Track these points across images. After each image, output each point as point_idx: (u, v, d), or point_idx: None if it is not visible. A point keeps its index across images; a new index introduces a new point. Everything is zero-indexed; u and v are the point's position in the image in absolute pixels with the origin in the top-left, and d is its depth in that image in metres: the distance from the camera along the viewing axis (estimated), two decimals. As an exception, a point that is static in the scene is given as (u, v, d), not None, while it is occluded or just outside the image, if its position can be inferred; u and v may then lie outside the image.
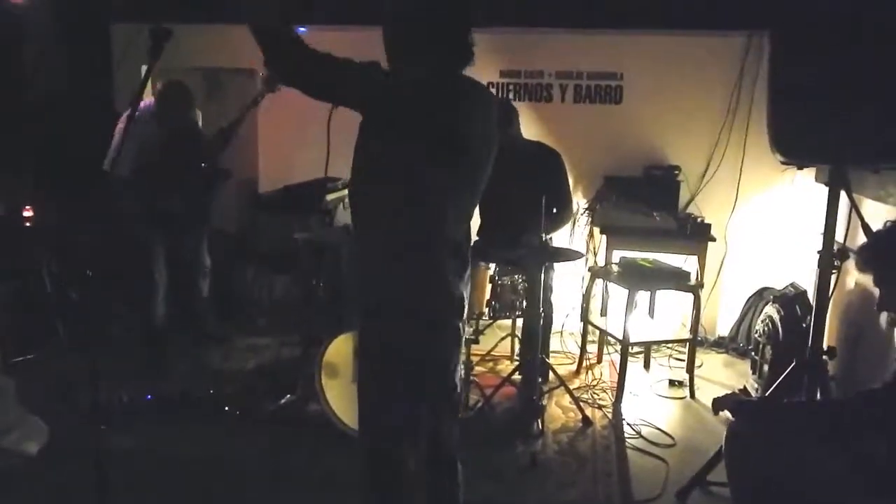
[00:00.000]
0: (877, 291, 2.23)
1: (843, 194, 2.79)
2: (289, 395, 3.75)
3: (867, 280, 3.50)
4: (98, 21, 5.06)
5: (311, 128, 4.86)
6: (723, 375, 4.49)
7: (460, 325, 2.17)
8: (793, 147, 2.71)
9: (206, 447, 3.34)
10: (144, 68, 5.25)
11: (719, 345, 4.93)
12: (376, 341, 2.14)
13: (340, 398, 3.39)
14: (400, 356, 2.09)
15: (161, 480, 3.08)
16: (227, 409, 3.68)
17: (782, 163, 2.77)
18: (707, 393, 4.10)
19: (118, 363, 4.03)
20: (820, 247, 2.85)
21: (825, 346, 2.91)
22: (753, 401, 2.23)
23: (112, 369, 3.91)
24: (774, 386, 2.93)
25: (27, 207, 4.15)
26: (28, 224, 4.20)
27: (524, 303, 3.70)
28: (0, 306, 4.19)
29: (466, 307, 2.19)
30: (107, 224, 4.20)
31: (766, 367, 3.79)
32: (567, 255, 3.65)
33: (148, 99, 4.07)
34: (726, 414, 2.22)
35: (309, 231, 4.39)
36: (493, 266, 3.58)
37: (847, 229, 2.88)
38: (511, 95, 5.03)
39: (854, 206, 2.74)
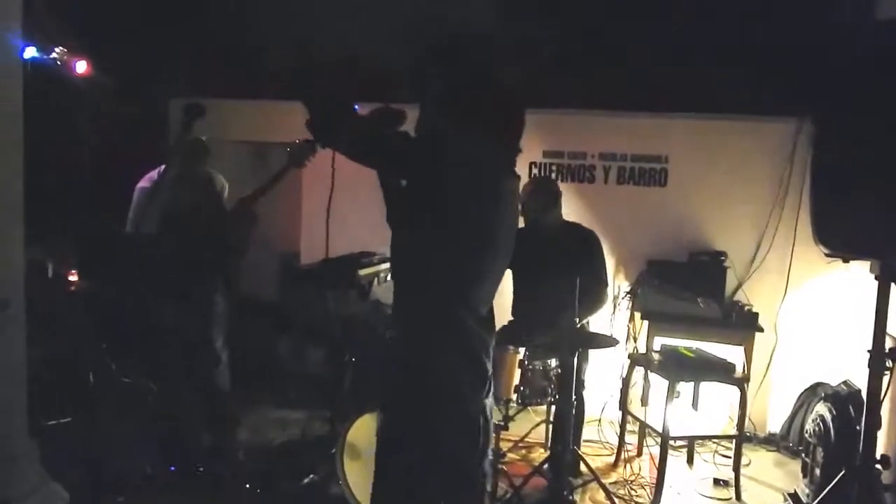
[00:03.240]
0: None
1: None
2: (312, 475, 3.66)
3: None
4: (157, 95, 5.29)
5: (356, 200, 4.85)
6: (772, 476, 4.19)
7: (487, 403, 2.08)
8: (837, 239, 2.59)
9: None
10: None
11: (770, 442, 4.64)
12: (401, 423, 2.06)
13: (361, 481, 3.27)
14: (425, 439, 2.00)
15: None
16: (248, 486, 3.60)
17: (826, 255, 2.64)
18: (754, 494, 3.84)
19: (145, 433, 4.05)
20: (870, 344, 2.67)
21: (879, 454, 2.69)
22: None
23: (138, 439, 3.96)
24: (823, 495, 2.70)
25: (72, 272, 4.25)
26: (73, 289, 4.29)
27: (555, 389, 3.55)
28: (40, 366, 4.23)
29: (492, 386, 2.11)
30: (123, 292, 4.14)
31: (817, 471, 3.52)
32: (601, 341, 3.51)
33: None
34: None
35: (346, 305, 4.37)
36: (522, 350, 3.47)
37: (900, 327, 2.69)
38: (553, 175, 5.01)
39: (906, 303, 2.57)
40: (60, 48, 4.32)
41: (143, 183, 3.91)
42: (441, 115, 2.04)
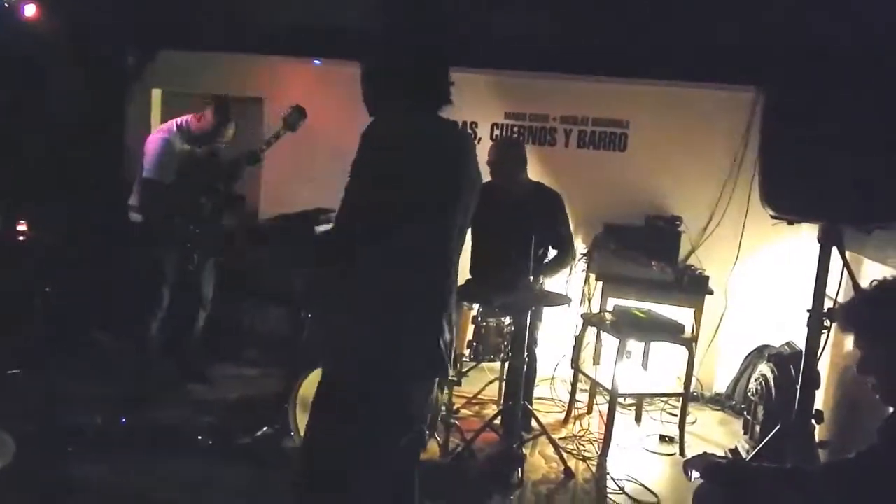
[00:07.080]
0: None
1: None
2: (266, 428, 3.67)
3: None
4: (114, 45, 5.12)
5: (315, 157, 4.88)
6: (716, 434, 4.34)
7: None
8: (783, 202, 2.65)
9: (174, 478, 3.25)
10: (157, 92, 5.27)
11: (716, 402, 4.79)
12: (348, 387, 2.04)
13: (314, 434, 3.30)
14: (373, 401, 2.00)
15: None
16: (200, 438, 3.60)
17: (772, 217, 2.71)
18: (697, 450, 3.93)
19: (99, 384, 4.02)
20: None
21: (814, 410, 2.80)
22: (723, 463, 2.11)
23: (92, 390, 3.94)
24: (757, 449, 2.81)
25: (21, 222, 4.15)
26: (22, 239, 4.19)
27: (509, 346, 3.61)
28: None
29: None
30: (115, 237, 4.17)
31: (757, 428, 3.65)
32: (554, 299, 3.57)
33: (185, 116, 4.09)
34: (697, 476, 2.10)
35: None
36: (476, 306, 3.50)
37: (839, 288, 2.78)
38: (515, 136, 5.01)
39: (846, 265, 2.66)
40: (9, -8, 4.16)
41: (163, 134, 3.99)
42: (369, 73, 2.05)
